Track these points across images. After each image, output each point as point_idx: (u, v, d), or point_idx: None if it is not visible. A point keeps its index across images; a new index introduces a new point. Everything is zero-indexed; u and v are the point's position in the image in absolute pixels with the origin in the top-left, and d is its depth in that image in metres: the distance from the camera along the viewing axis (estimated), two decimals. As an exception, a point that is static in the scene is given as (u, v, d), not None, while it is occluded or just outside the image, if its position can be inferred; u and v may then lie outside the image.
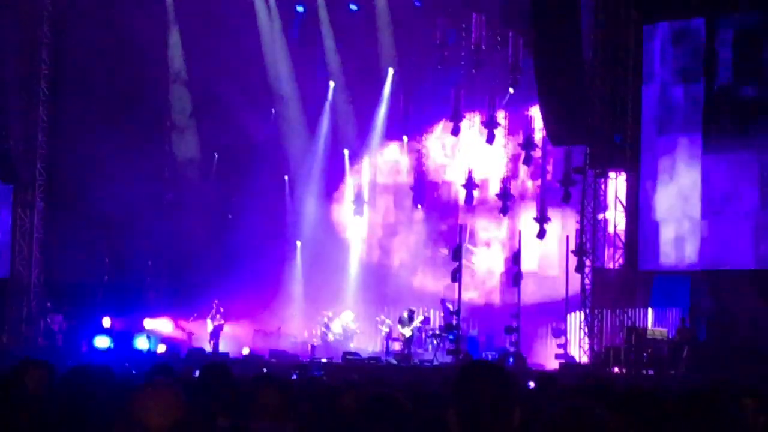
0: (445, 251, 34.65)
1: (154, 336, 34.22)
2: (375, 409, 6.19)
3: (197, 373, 7.84)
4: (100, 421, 5.83)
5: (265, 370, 26.33)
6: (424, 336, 33.14)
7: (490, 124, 33.73)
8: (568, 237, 30.61)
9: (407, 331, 32.29)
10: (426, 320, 33.16)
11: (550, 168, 33.41)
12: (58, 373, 9.15)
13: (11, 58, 32.81)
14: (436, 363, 30.55)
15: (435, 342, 31.99)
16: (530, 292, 33.27)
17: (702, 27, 28.58)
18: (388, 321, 33.85)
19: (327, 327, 34.12)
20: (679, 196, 28.76)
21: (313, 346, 33.56)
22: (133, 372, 16.19)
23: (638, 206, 29.35)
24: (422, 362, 30.94)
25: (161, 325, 34.90)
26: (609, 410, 7.05)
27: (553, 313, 32.43)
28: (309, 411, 7.79)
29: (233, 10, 35.96)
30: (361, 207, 37.33)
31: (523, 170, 34.14)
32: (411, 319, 32.42)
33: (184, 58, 36.72)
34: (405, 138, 36.73)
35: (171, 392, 4.59)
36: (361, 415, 6.10)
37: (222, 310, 33.95)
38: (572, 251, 30.22)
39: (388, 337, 33.33)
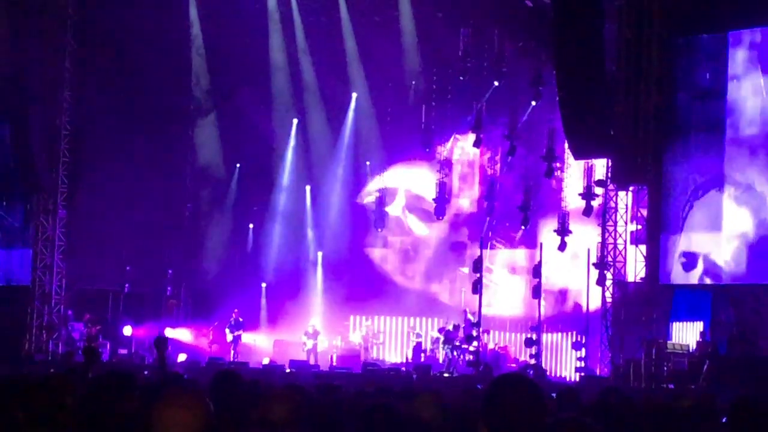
0: (465, 270, 34.68)
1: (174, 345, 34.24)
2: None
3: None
4: (122, 428, 5.86)
5: (288, 371, 26.37)
6: (442, 348, 33.08)
7: (511, 137, 33.67)
8: (589, 250, 30.49)
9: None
10: (441, 330, 32.91)
11: (571, 181, 33.27)
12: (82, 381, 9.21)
13: (34, 66, 32.93)
14: (455, 374, 30.49)
15: (455, 353, 31.90)
16: (551, 305, 33.22)
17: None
18: (421, 332, 33.96)
19: (312, 336, 33.74)
20: (701, 210, 28.64)
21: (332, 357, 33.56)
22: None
23: (660, 220, 29.21)
24: (441, 373, 30.85)
25: (182, 334, 34.91)
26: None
27: (574, 326, 32.36)
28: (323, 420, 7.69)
29: (255, 20, 36.06)
30: (382, 218, 37.27)
31: (544, 183, 34.00)
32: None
33: (207, 66, 36.82)
34: (426, 149, 36.68)
35: (193, 402, 4.48)
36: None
37: (241, 319, 33.95)
38: (593, 264, 30.13)
39: (417, 348, 33.32)
